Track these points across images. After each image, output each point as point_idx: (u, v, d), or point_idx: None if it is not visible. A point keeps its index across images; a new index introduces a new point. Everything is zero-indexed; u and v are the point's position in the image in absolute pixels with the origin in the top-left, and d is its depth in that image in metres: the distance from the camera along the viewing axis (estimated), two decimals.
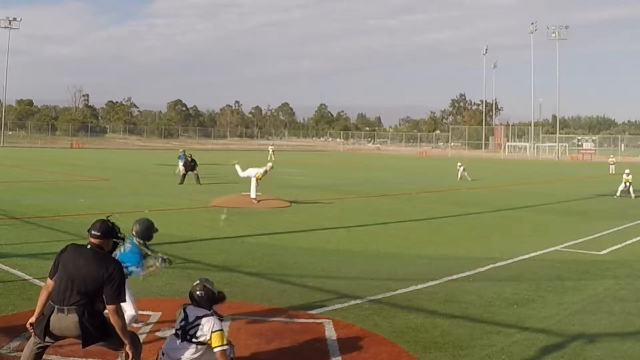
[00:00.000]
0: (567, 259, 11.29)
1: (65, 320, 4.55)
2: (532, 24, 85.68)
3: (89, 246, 4.68)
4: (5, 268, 9.01)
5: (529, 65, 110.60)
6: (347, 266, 10.28)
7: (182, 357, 4.91)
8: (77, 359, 5.60)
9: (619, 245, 12.86)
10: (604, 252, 12.06)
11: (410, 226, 15.61)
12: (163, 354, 5.02)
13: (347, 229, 14.65)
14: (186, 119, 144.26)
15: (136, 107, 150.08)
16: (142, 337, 6.21)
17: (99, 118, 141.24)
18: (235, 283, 8.50)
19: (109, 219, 4.84)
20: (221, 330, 5.01)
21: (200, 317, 5.02)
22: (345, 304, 7.76)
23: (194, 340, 4.95)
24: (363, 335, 6.52)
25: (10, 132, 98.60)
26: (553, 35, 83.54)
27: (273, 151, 56.00)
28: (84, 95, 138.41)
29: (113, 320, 4.59)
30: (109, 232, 4.74)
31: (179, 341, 4.99)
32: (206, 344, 4.96)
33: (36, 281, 8.37)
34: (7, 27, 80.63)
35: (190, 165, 26.80)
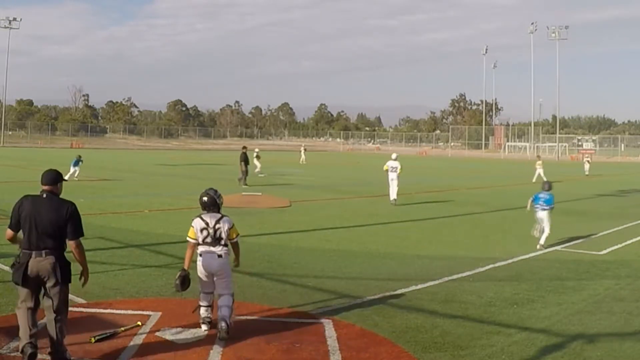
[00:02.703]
0: (567, 259, 11.29)
1: (43, 263, 5.28)
2: (532, 24, 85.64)
3: (44, 195, 5.43)
4: (6, 268, 9.00)
5: (529, 65, 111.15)
6: (347, 266, 10.28)
7: (217, 264, 6.38)
8: (77, 358, 5.60)
9: (619, 245, 12.86)
10: (604, 252, 12.06)
11: (410, 226, 15.61)
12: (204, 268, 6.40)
13: (347, 229, 14.65)
14: (186, 119, 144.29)
15: (136, 107, 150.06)
16: (141, 338, 6.22)
17: (99, 118, 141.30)
18: (235, 283, 8.48)
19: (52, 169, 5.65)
20: (234, 224, 6.56)
21: (219, 220, 6.43)
22: (345, 304, 7.76)
23: (222, 242, 6.39)
24: (363, 335, 6.52)
25: (10, 132, 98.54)
26: (553, 35, 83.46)
27: (305, 150, 52.04)
28: (84, 95, 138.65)
29: (76, 252, 5.43)
30: (57, 178, 5.55)
31: (212, 248, 6.38)
32: (227, 247, 6.47)
33: None
34: (7, 27, 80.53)
35: (247, 160, 26.53)
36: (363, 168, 46.97)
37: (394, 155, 21.31)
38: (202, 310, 6.56)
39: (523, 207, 21.47)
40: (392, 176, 20.37)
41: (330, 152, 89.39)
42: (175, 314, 6.99)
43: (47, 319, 5.42)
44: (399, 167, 20.48)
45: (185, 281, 6.51)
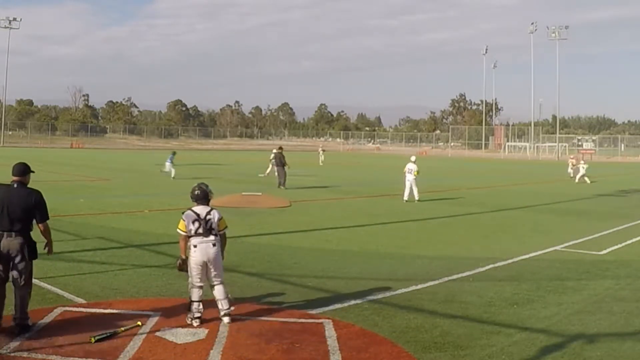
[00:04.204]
0: (567, 259, 11.29)
1: (14, 242, 6.18)
2: (532, 24, 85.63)
3: (15, 185, 6.34)
4: None
5: (529, 65, 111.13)
6: (347, 266, 10.28)
7: (213, 252, 6.75)
8: (77, 358, 5.61)
9: (619, 245, 12.86)
10: (604, 252, 12.05)
11: (410, 226, 15.61)
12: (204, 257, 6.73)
13: (347, 229, 14.65)
14: (186, 119, 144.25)
15: (136, 107, 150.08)
16: (141, 338, 6.22)
17: (99, 118, 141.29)
18: (235, 283, 8.50)
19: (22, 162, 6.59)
20: (222, 217, 6.92)
21: (209, 212, 6.83)
22: (345, 304, 7.76)
23: (213, 232, 6.77)
24: (363, 335, 6.52)
25: (10, 132, 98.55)
26: (553, 35, 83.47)
27: (323, 151, 51.61)
28: (84, 95, 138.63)
29: (45, 233, 6.41)
30: (26, 170, 6.47)
31: (205, 238, 6.73)
32: (217, 237, 6.81)
33: (36, 281, 8.33)
34: (7, 27, 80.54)
35: (281, 161, 25.77)
36: (363, 168, 46.98)
37: (412, 158, 22.41)
38: (195, 306, 6.73)
39: (523, 207, 21.64)
40: (409, 177, 21.39)
41: (331, 152, 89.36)
42: (175, 314, 6.99)
43: (14, 289, 6.25)
44: (415, 169, 21.40)
45: (185, 265, 6.92)
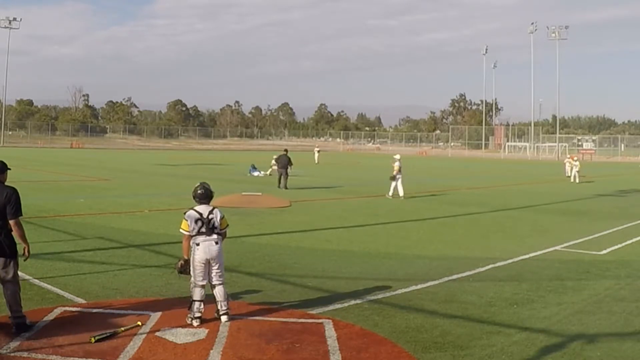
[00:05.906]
0: (567, 259, 11.29)
1: None
2: (532, 24, 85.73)
3: None
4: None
5: (529, 65, 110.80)
6: (347, 266, 10.28)
7: (216, 250, 6.81)
8: (77, 358, 5.61)
9: (619, 245, 12.86)
10: (604, 252, 12.05)
11: (410, 226, 15.61)
12: (207, 257, 6.77)
13: (347, 229, 14.64)
14: (186, 119, 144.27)
15: (136, 107, 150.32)
16: (141, 338, 6.22)
17: (99, 118, 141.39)
18: (235, 283, 8.50)
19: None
20: (224, 215, 7.02)
21: (212, 211, 6.92)
22: (345, 304, 7.76)
23: (216, 231, 6.86)
24: (363, 335, 6.52)
25: (10, 132, 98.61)
26: (553, 35, 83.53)
27: (318, 151, 52.37)
28: (84, 95, 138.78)
29: (15, 230, 6.26)
30: (2, 168, 6.50)
31: (208, 237, 6.80)
32: (222, 234, 6.94)
33: (36, 281, 8.38)
34: (7, 27, 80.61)
35: (285, 162, 25.57)
36: (363, 168, 46.97)
37: (397, 156, 22.87)
38: (197, 306, 6.74)
39: (523, 207, 21.65)
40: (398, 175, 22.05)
41: (331, 152, 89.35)
42: (175, 314, 6.99)
43: (3, 287, 6.35)
44: (395, 166, 21.95)
45: (187, 265, 6.93)
